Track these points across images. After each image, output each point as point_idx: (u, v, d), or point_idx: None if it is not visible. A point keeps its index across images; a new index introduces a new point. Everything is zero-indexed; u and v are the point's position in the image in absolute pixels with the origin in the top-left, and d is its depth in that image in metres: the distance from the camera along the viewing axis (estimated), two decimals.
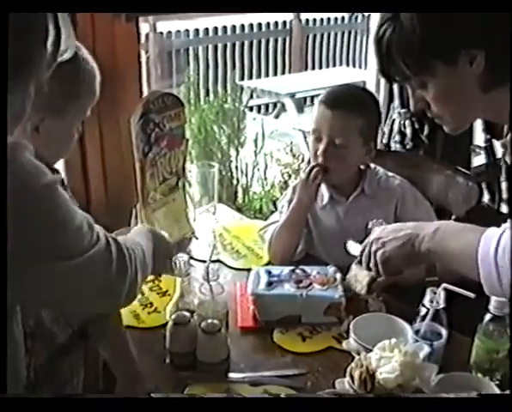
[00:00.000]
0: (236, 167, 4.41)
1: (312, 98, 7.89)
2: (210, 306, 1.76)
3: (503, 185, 3.78)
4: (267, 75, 8.70)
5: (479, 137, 4.00)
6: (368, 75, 4.12)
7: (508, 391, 1.42)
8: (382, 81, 3.70)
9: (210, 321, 1.70)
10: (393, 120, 3.57)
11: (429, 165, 2.67)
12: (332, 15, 9.27)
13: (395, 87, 3.51)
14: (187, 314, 1.73)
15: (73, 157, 2.38)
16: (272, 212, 2.50)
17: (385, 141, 3.63)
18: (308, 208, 2.19)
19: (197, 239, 2.42)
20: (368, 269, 1.69)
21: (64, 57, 1.29)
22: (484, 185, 3.84)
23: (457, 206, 2.47)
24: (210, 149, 4.27)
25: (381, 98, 3.73)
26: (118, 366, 1.68)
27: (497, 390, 1.59)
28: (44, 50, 1.15)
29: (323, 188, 2.24)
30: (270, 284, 1.93)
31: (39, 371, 1.56)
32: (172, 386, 1.67)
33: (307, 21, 9.03)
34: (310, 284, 1.93)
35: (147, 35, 6.95)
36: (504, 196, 3.78)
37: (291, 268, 2.00)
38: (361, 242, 1.82)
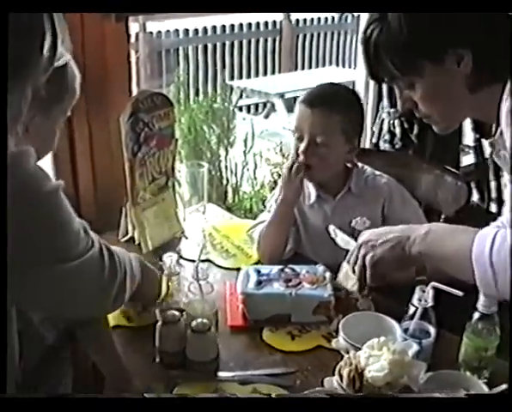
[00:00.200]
0: (226, 167, 4.41)
1: None
2: (199, 306, 1.77)
3: (492, 185, 3.80)
4: (257, 75, 8.70)
5: (468, 137, 4.01)
6: (357, 74, 4.12)
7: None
8: (371, 81, 3.70)
9: (199, 320, 1.70)
10: (383, 120, 3.58)
11: (419, 164, 2.68)
12: (322, 15, 9.29)
13: (384, 86, 3.52)
14: (177, 313, 1.73)
15: (62, 157, 2.39)
16: (262, 212, 2.50)
17: (374, 140, 3.64)
18: (293, 204, 2.18)
19: (186, 238, 2.42)
20: (354, 271, 1.68)
21: (60, 62, 1.30)
22: (473, 185, 3.85)
23: (446, 205, 2.47)
24: (199, 149, 4.27)
25: (371, 98, 3.74)
26: (104, 365, 1.68)
27: (486, 389, 1.60)
28: (42, 53, 1.16)
29: (310, 187, 2.25)
30: (259, 283, 1.93)
31: (27, 372, 1.56)
32: (162, 385, 1.67)
33: (297, 21, 9.04)
34: (299, 283, 1.94)
35: (137, 35, 6.93)
36: (493, 195, 3.79)
37: (280, 267, 2.00)
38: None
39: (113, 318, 1.89)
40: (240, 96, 7.70)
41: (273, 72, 8.83)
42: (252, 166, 4.51)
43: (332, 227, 1.92)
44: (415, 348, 1.62)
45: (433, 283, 1.67)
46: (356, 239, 1.77)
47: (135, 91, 2.64)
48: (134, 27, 6.76)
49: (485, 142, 3.60)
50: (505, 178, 1.80)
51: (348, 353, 1.66)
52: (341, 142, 2.13)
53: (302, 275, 1.97)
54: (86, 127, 2.42)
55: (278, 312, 1.90)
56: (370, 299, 1.96)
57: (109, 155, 2.46)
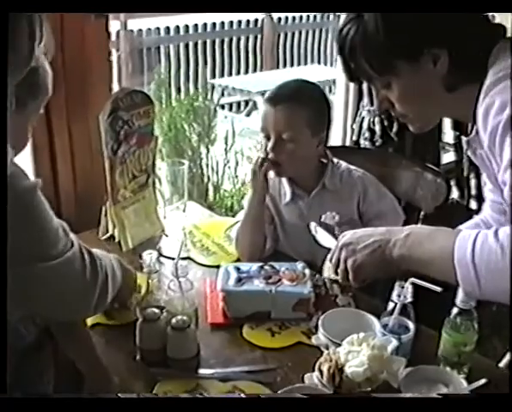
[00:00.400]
0: (207, 165, 4.41)
1: None
2: (179, 303, 1.77)
3: (472, 182, 3.82)
4: (239, 73, 8.69)
5: (449, 135, 4.04)
6: (337, 73, 4.13)
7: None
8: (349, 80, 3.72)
9: (179, 317, 1.70)
10: (363, 118, 3.60)
11: (398, 161, 2.69)
12: (304, 14, 9.29)
13: (365, 85, 3.52)
14: (157, 311, 1.73)
15: (42, 155, 2.38)
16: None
17: (354, 138, 3.66)
18: (262, 200, 2.18)
19: (167, 236, 2.42)
20: (336, 273, 1.68)
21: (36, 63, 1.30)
22: (453, 182, 3.88)
23: (426, 202, 2.49)
24: (180, 147, 4.26)
25: (351, 96, 3.76)
26: (82, 363, 1.68)
27: (465, 383, 1.61)
28: (20, 54, 1.16)
29: (285, 185, 2.25)
30: (239, 280, 1.94)
31: (7, 371, 1.55)
32: (142, 383, 1.67)
33: (279, 19, 9.03)
34: (279, 280, 1.94)
35: (118, 33, 6.92)
36: (473, 192, 3.82)
37: (260, 264, 2.01)
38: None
39: (93, 317, 1.89)
40: (222, 94, 7.69)
41: (255, 70, 8.82)
42: (233, 164, 4.51)
43: (313, 225, 1.93)
44: (394, 343, 1.63)
45: (412, 279, 1.68)
46: (336, 238, 1.77)
47: (116, 89, 2.63)
48: (115, 25, 6.74)
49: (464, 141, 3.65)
50: (484, 175, 1.81)
51: (328, 349, 1.67)
52: (307, 136, 2.13)
53: (282, 273, 1.97)
54: (66, 125, 2.42)
55: (258, 309, 1.91)
56: (350, 296, 1.97)
57: (89, 154, 2.46)
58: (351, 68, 1.57)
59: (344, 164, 2.28)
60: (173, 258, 2.02)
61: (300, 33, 9.34)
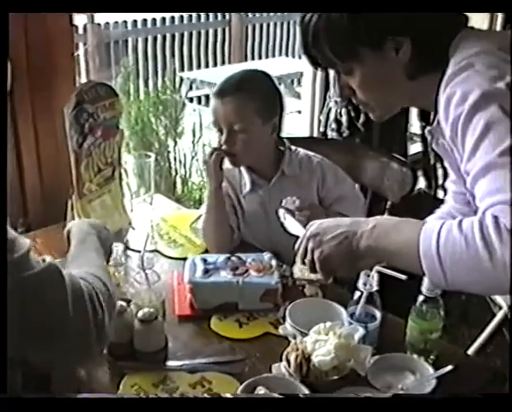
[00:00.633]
0: (175, 158, 4.39)
1: None
2: (146, 295, 1.76)
3: (439, 172, 3.85)
4: (207, 66, 8.68)
5: (416, 125, 4.06)
6: (303, 65, 4.14)
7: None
8: (319, 71, 3.72)
9: (146, 310, 1.69)
10: (330, 109, 3.60)
11: (365, 152, 2.70)
12: None
13: (331, 76, 3.54)
14: (123, 304, 1.72)
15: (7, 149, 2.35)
16: None
17: (322, 129, 3.66)
18: (218, 189, 2.18)
19: (133, 229, 2.40)
20: (304, 263, 1.67)
21: None
22: (420, 172, 3.91)
23: (392, 192, 2.51)
24: (147, 140, 4.24)
25: (318, 87, 3.77)
26: None
27: (431, 370, 1.62)
28: None
29: (245, 175, 2.26)
30: (206, 272, 1.93)
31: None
32: (110, 376, 1.66)
33: None
34: (246, 271, 1.94)
35: (85, 26, 6.87)
36: (440, 182, 3.85)
37: (227, 255, 2.01)
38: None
39: None
40: (190, 87, 7.67)
41: (223, 63, 8.82)
42: (201, 157, 4.49)
43: (281, 211, 1.92)
44: (361, 332, 1.64)
45: (377, 267, 1.68)
46: (304, 226, 1.77)
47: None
48: (82, 19, 6.70)
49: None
50: (447, 165, 1.82)
51: (295, 339, 1.67)
52: (259, 124, 2.14)
53: (249, 264, 1.97)
54: (30, 119, 2.40)
55: (226, 300, 1.91)
56: (317, 286, 1.97)
57: (55, 147, 2.44)
58: (314, 53, 1.56)
59: (302, 150, 2.29)
60: (139, 251, 2.01)
61: (268, 26, 9.35)
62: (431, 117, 1.68)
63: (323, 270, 1.56)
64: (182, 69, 8.18)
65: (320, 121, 3.70)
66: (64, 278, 1.27)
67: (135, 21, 7.82)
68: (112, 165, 2.36)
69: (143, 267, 1.76)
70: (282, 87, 2.32)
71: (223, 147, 2.13)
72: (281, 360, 1.62)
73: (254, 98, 2.11)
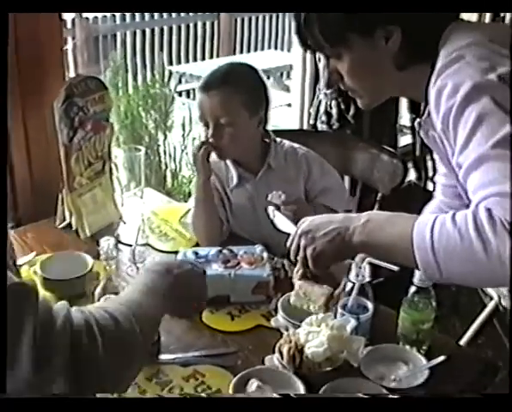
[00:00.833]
0: (164, 152, 4.38)
1: None
2: None
3: (429, 164, 3.86)
4: (195, 59, 8.65)
5: (406, 117, 4.07)
6: (293, 58, 4.13)
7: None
8: (308, 63, 3.73)
9: None
10: (320, 101, 3.60)
11: (355, 144, 2.71)
12: None
13: (321, 68, 3.54)
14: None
15: None
16: None
17: (312, 121, 3.66)
18: (206, 182, 2.18)
19: (124, 223, 2.40)
20: (296, 260, 1.65)
21: None
22: (410, 164, 3.91)
23: (383, 184, 2.51)
24: (137, 134, 4.23)
25: (308, 79, 3.76)
26: None
27: (424, 361, 1.63)
28: None
29: (232, 169, 2.26)
30: None
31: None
32: None
33: None
34: (238, 264, 1.94)
35: (73, 21, 6.84)
36: (430, 174, 3.86)
37: (218, 248, 2.01)
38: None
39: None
40: (180, 81, 7.65)
41: (212, 56, 8.79)
42: (191, 151, 4.48)
43: (271, 208, 1.92)
44: (353, 323, 1.64)
45: (369, 259, 1.69)
46: (295, 222, 1.76)
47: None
48: (70, 14, 6.66)
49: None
50: (437, 158, 1.82)
51: (287, 330, 1.67)
52: (245, 117, 2.13)
53: (240, 256, 1.97)
54: (20, 114, 2.39)
55: (217, 293, 1.90)
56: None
57: (44, 142, 2.43)
58: (305, 35, 1.56)
59: (287, 142, 2.29)
60: (131, 245, 2.01)
61: (256, 19, 9.32)
62: (421, 108, 1.68)
63: (316, 267, 1.56)
64: (171, 63, 8.15)
65: (309, 114, 3.70)
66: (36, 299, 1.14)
67: (123, 16, 7.78)
68: (103, 159, 2.36)
69: (135, 260, 1.76)
70: (271, 81, 2.32)
71: (210, 141, 2.12)
72: (274, 353, 1.62)
73: (240, 91, 2.11)
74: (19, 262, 1.89)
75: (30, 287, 1.13)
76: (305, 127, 3.77)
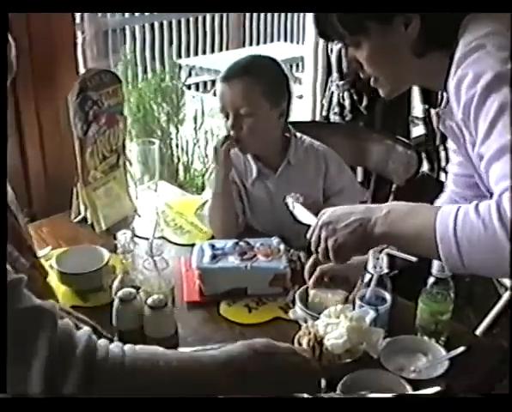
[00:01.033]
0: (177, 145, 4.38)
1: None
2: (155, 282, 1.76)
3: (442, 154, 3.84)
4: (205, 52, 8.64)
5: (418, 108, 4.05)
6: (305, 50, 4.11)
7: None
8: (320, 55, 3.71)
9: (155, 296, 1.68)
10: (332, 93, 3.59)
11: (369, 135, 2.70)
12: None
13: (333, 59, 3.53)
14: (133, 291, 1.71)
15: (11, 139, 2.35)
16: None
17: (324, 113, 3.65)
18: (226, 176, 2.17)
19: (139, 216, 2.40)
20: (317, 252, 1.63)
21: None
22: (423, 155, 3.90)
23: (397, 175, 2.50)
24: (149, 127, 4.23)
25: (320, 71, 3.75)
26: None
27: (443, 352, 1.63)
28: None
29: (251, 163, 2.25)
30: (214, 257, 1.93)
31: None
32: None
33: None
34: (254, 256, 1.94)
35: (82, 15, 6.83)
36: (443, 164, 3.84)
37: (235, 240, 2.00)
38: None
39: (69, 299, 1.88)
40: (189, 74, 7.64)
41: (221, 49, 8.78)
42: (203, 144, 4.48)
43: (290, 200, 1.91)
44: (372, 314, 1.63)
45: (387, 250, 1.68)
46: (315, 214, 1.75)
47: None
48: None
49: (433, 113, 3.67)
50: (452, 148, 1.82)
51: (306, 322, 1.67)
52: (266, 109, 2.13)
53: (257, 248, 1.97)
54: (33, 108, 2.39)
55: (234, 285, 1.90)
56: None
57: (58, 136, 2.44)
58: (323, 26, 1.55)
59: (307, 139, 2.29)
60: (146, 238, 2.01)
61: None
62: (439, 98, 1.67)
63: (337, 259, 1.55)
64: (180, 56, 8.14)
65: (322, 105, 3.69)
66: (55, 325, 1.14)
67: None
68: (117, 152, 2.36)
69: (152, 254, 1.76)
70: None
71: (231, 133, 2.12)
72: (292, 345, 1.61)
73: (261, 81, 2.10)
74: None
75: (49, 313, 1.13)
76: (317, 119, 3.76)
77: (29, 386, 1.08)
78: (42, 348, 1.08)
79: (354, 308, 1.69)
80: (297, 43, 8.95)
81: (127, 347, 1.21)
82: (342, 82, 3.51)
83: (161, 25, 8.06)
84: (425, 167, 3.95)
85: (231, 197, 2.20)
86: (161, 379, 1.20)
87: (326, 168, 2.24)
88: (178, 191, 2.77)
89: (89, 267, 1.93)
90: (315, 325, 1.59)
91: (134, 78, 4.59)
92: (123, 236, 1.81)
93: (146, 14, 7.90)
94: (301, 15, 8.91)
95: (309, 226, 1.63)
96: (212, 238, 2.20)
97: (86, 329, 1.20)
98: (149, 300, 1.68)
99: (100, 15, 7.24)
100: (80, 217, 2.34)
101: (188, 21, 8.37)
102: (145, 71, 6.00)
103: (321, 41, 3.60)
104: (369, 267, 1.69)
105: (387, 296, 1.71)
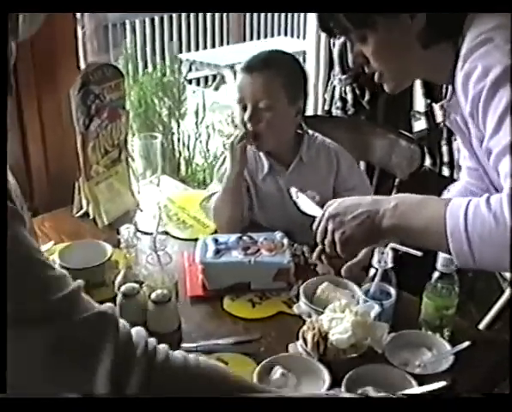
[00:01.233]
0: (178, 140, 4.37)
1: None
2: (158, 277, 1.75)
3: (444, 149, 3.84)
4: (205, 47, 8.62)
5: (420, 103, 4.04)
6: (307, 44, 4.11)
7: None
8: (322, 50, 3.71)
9: (159, 291, 1.68)
10: (334, 87, 3.59)
11: (372, 129, 2.69)
12: None
13: (335, 54, 3.52)
14: (136, 286, 1.71)
15: (12, 134, 2.34)
16: None
17: (326, 107, 3.65)
18: (240, 173, 2.16)
19: (141, 211, 2.39)
20: (323, 244, 1.62)
21: None
22: (425, 150, 3.89)
23: (400, 169, 2.49)
24: (150, 122, 4.22)
25: (322, 66, 3.74)
26: None
27: (448, 346, 1.62)
28: None
29: (263, 159, 2.23)
30: (217, 252, 1.92)
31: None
32: None
33: None
34: (258, 250, 1.93)
35: None
36: (445, 159, 3.84)
37: (238, 235, 1.99)
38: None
39: None
40: (190, 69, 7.63)
41: (222, 44, 8.76)
42: (204, 138, 4.48)
43: (294, 190, 1.90)
44: (377, 309, 1.63)
45: (392, 244, 1.67)
46: (319, 205, 1.74)
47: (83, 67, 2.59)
48: None
49: (436, 107, 3.66)
50: (459, 141, 1.81)
51: (310, 317, 1.66)
52: (285, 104, 2.12)
53: (260, 243, 1.96)
54: (35, 103, 2.38)
55: (238, 280, 1.89)
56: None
57: (60, 130, 2.43)
58: (328, 20, 1.54)
59: (319, 136, 2.27)
60: (148, 233, 2.00)
61: None
62: (443, 91, 1.66)
63: (344, 251, 1.54)
64: (181, 51, 8.13)
65: (324, 100, 3.68)
66: (117, 329, 1.14)
67: None
68: (119, 147, 2.35)
69: (156, 248, 1.75)
70: None
71: (247, 125, 2.10)
72: (297, 339, 1.61)
73: (283, 76, 2.10)
74: None
75: (111, 318, 1.14)
76: (319, 113, 3.75)
77: (95, 389, 1.08)
78: (108, 354, 1.09)
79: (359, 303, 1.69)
80: (298, 37, 8.94)
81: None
82: (344, 77, 3.50)
83: (162, 19, 8.06)
84: (427, 162, 3.95)
85: (241, 193, 2.18)
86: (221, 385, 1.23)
87: (337, 166, 2.22)
88: (180, 186, 2.76)
89: (92, 262, 1.92)
90: (320, 320, 1.58)
91: (135, 72, 4.58)
92: (126, 231, 1.80)
93: None
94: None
95: (313, 217, 1.62)
96: (215, 232, 2.19)
97: (139, 329, 1.21)
98: (153, 295, 1.67)
99: None
100: (82, 212, 2.33)
101: (189, 15, 8.38)
102: (146, 66, 5.99)
103: (323, 36, 3.59)
104: (374, 261, 1.68)
105: (392, 291, 1.70)
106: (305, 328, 1.60)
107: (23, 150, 2.41)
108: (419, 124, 4.28)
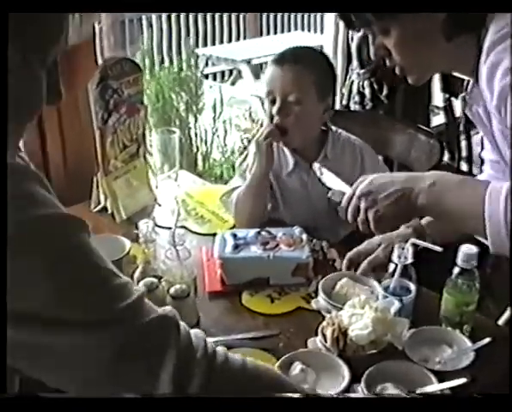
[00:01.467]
0: (196, 135, 4.37)
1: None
2: (177, 272, 1.75)
3: (463, 144, 3.82)
4: (222, 41, 8.61)
5: (438, 97, 4.03)
6: (324, 39, 4.10)
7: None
8: (340, 44, 3.70)
9: (178, 286, 1.68)
10: (352, 81, 3.58)
11: (391, 124, 2.68)
12: None
13: (353, 48, 3.51)
14: (155, 280, 1.70)
15: (30, 129, 2.33)
16: (232, 178, 2.47)
17: (344, 102, 3.64)
18: (267, 169, 2.14)
19: (159, 206, 2.39)
20: (356, 221, 1.59)
21: None
22: (443, 144, 3.87)
23: (420, 164, 2.48)
24: (168, 117, 4.23)
25: (339, 60, 3.73)
26: None
27: (469, 343, 1.60)
28: None
29: (288, 154, 2.22)
30: (236, 247, 1.91)
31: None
32: None
33: None
34: (277, 245, 1.92)
35: None
36: (464, 154, 3.82)
37: (257, 230, 1.98)
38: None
39: None
40: (206, 64, 7.62)
41: (238, 38, 8.75)
42: (221, 133, 4.48)
43: (317, 166, 1.89)
44: (396, 305, 1.62)
45: (412, 240, 1.66)
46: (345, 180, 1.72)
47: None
48: None
49: (455, 102, 3.64)
50: (477, 136, 1.79)
51: (329, 313, 1.65)
52: (314, 99, 2.11)
53: (279, 238, 1.95)
54: None
55: (257, 275, 1.89)
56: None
57: (78, 125, 2.43)
58: (350, 13, 1.53)
59: (343, 133, 2.27)
60: (167, 228, 2.00)
61: None
62: (464, 83, 1.65)
63: (377, 230, 1.52)
64: (197, 46, 8.12)
65: (342, 94, 3.67)
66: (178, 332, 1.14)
67: None
68: (137, 141, 2.35)
69: (175, 243, 1.75)
70: None
71: (275, 118, 2.09)
72: (316, 335, 1.60)
73: (314, 72, 2.09)
74: None
75: (173, 321, 1.14)
76: (337, 107, 3.75)
77: (156, 392, 1.08)
78: (170, 358, 1.09)
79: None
80: (315, 32, 8.90)
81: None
82: (362, 71, 3.49)
83: (178, 15, 8.03)
84: (446, 157, 3.93)
85: (265, 191, 2.17)
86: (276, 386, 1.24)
87: (361, 163, 2.21)
88: (198, 181, 2.75)
89: (110, 257, 1.89)
90: (339, 316, 1.58)
91: (152, 68, 4.59)
92: (145, 225, 1.81)
93: None
94: None
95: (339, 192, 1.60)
96: (233, 227, 2.19)
97: (197, 330, 1.21)
98: (172, 290, 1.67)
99: None
100: (100, 207, 2.33)
101: None
102: (162, 61, 5.99)
103: (341, 30, 3.58)
104: (394, 257, 1.67)
105: (412, 286, 1.68)
106: (324, 324, 1.59)
107: (41, 145, 2.41)
108: (437, 119, 4.27)
